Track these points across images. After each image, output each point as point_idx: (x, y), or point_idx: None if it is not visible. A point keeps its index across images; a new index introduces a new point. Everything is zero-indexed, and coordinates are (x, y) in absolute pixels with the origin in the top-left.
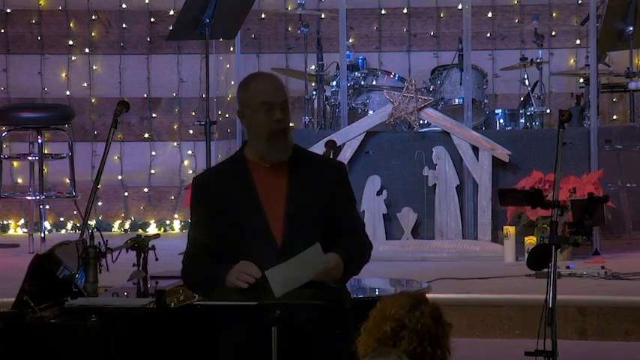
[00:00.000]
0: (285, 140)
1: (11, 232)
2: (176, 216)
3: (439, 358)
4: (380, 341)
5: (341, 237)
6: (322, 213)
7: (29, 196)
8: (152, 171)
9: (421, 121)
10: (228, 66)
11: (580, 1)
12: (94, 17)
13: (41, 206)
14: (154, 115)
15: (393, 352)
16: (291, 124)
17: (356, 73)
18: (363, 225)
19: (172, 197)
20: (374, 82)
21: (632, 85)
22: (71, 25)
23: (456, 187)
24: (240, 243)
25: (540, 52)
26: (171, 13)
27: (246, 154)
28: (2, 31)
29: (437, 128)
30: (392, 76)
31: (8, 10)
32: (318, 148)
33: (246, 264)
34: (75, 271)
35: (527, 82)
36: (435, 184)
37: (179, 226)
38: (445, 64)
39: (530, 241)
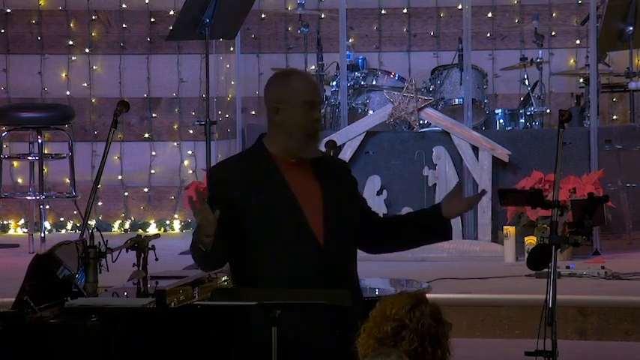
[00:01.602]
0: (318, 140)
1: (11, 232)
2: (176, 216)
3: (439, 358)
4: (380, 341)
5: (374, 223)
6: (354, 211)
7: (29, 196)
8: (152, 171)
9: (421, 121)
10: (228, 66)
11: (580, 1)
12: (94, 17)
13: (41, 206)
14: (154, 115)
15: (393, 352)
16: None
17: (356, 73)
18: None
19: (172, 197)
20: (374, 82)
21: (632, 85)
22: (71, 25)
23: None
24: (273, 242)
25: (540, 52)
26: (171, 13)
27: (269, 148)
28: (2, 31)
29: (437, 128)
30: (392, 76)
31: (8, 10)
32: None
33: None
34: (75, 271)
35: (527, 82)
36: (435, 184)
37: (179, 226)
38: (445, 64)
39: (530, 241)
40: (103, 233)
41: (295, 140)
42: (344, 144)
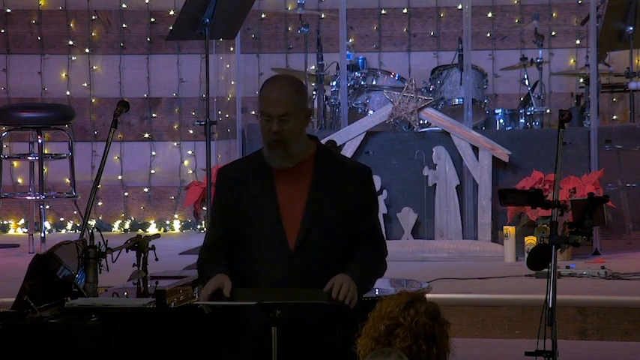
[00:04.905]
0: (283, 151)
1: (11, 232)
2: (176, 216)
3: (435, 356)
4: (376, 340)
5: (359, 244)
6: (342, 220)
7: (29, 196)
8: (152, 171)
9: (421, 121)
10: (228, 66)
11: (580, 1)
12: (94, 17)
13: (41, 206)
14: (153, 115)
15: (393, 352)
16: (295, 133)
17: (356, 73)
18: (381, 233)
19: (172, 197)
20: (374, 82)
21: (632, 85)
22: (71, 25)
23: (456, 187)
24: (252, 244)
25: (540, 52)
26: (172, 13)
27: None
28: (2, 31)
29: (437, 128)
30: (392, 76)
31: (8, 10)
32: None
33: (216, 280)
34: (75, 271)
35: (527, 82)
36: (435, 184)
37: (179, 226)
38: (445, 64)
39: (530, 241)
40: (103, 233)
41: (264, 148)
42: (344, 144)
